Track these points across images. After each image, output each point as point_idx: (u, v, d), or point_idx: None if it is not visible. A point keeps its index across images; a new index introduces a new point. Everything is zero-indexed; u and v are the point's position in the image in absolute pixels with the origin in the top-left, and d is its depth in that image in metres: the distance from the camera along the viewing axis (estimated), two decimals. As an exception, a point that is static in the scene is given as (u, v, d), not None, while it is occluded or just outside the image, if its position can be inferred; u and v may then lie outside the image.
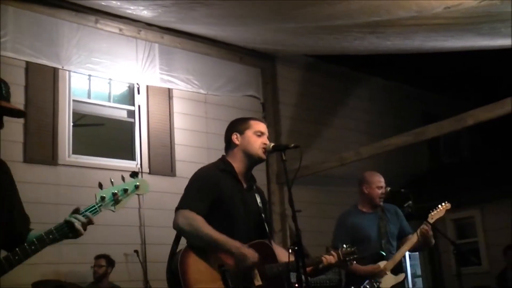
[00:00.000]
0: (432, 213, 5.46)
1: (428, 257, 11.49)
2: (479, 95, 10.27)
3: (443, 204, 5.54)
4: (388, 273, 5.37)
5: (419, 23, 7.37)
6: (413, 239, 5.42)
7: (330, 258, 3.80)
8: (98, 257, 7.27)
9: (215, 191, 3.65)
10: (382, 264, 5.37)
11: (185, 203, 3.60)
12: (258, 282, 3.48)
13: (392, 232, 5.62)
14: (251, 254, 3.47)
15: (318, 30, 8.02)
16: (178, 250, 3.57)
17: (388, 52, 9.32)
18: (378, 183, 5.64)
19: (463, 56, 9.39)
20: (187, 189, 3.71)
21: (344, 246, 3.99)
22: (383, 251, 5.46)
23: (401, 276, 5.48)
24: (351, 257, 3.97)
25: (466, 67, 11.15)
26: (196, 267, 3.43)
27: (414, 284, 11.63)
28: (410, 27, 7.64)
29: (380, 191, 5.61)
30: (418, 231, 5.34)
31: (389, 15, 7.00)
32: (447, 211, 5.56)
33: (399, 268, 5.51)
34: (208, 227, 3.47)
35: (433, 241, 5.46)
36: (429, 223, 5.34)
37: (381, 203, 5.65)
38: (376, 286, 5.31)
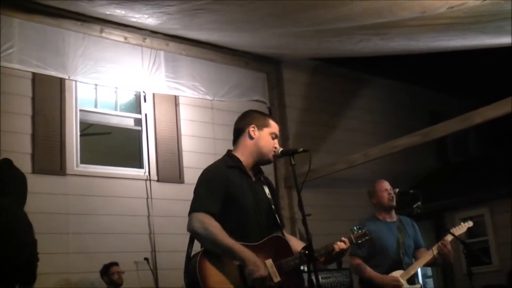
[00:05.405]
0: (454, 229, 5.47)
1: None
2: (486, 93, 10.24)
3: (466, 222, 5.57)
4: (404, 282, 5.38)
5: (423, 23, 7.38)
6: (428, 255, 5.42)
7: (341, 245, 3.74)
8: (113, 265, 7.22)
9: (225, 188, 3.59)
10: (398, 273, 5.38)
11: (198, 205, 3.53)
12: (277, 278, 3.46)
13: (409, 246, 5.61)
14: (262, 268, 3.42)
15: (323, 33, 8.03)
16: (193, 253, 3.52)
17: (393, 53, 9.31)
18: (381, 187, 5.64)
19: (469, 54, 9.37)
20: (197, 190, 3.63)
21: (355, 228, 3.96)
22: (401, 262, 5.46)
23: (417, 286, 5.50)
24: (363, 239, 3.94)
25: (472, 65, 11.13)
26: (215, 270, 3.39)
27: (425, 284, 11.57)
28: (414, 28, 7.64)
29: (386, 193, 5.60)
30: (435, 247, 5.31)
31: (393, 17, 7.01)
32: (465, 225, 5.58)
33: (413, 279, 5.52)
34: (223, 235, 3.41)
35: (452, 257, 5.40)
36: (453, 234, 5.34)
37: (393, 204, 5.61)
38: None
